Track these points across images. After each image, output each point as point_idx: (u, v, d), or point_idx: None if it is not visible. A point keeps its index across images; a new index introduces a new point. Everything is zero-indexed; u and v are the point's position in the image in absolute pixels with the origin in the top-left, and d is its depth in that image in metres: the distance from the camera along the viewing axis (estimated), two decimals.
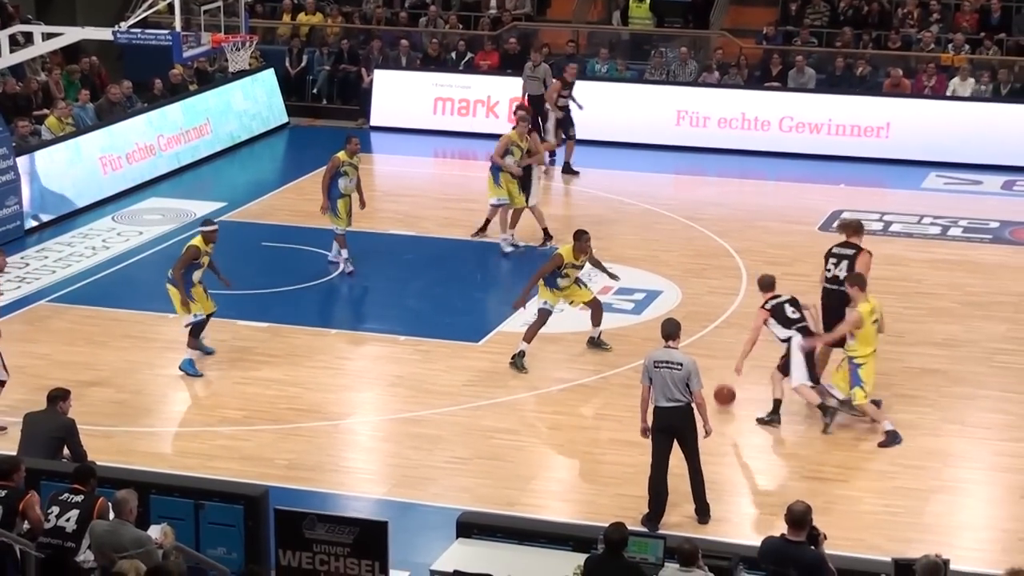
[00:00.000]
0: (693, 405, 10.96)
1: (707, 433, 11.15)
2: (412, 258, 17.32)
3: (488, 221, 17.47)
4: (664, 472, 10.99)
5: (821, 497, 11.05)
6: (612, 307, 15.32)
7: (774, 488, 11.88)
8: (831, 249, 13.55)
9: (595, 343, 14.46)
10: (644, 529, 10.67)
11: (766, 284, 13.26)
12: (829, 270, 13.37)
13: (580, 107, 20.48)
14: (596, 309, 14.43)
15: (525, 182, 17.17)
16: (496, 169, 16.90)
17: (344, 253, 16.37)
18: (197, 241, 13.91)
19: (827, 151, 21.37)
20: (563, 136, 20.29)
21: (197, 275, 13.83)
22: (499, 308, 15.38)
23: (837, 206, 19.06)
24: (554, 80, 20.55)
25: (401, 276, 16.76)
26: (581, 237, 14.06)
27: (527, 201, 17.20)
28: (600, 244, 17.35)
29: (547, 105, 20.33)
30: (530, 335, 14.04)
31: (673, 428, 10.96)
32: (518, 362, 13.93)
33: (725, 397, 13.03)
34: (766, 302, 13.11)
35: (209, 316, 14.04)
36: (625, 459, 12.10)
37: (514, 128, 17.25)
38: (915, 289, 16.21)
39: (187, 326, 13.91)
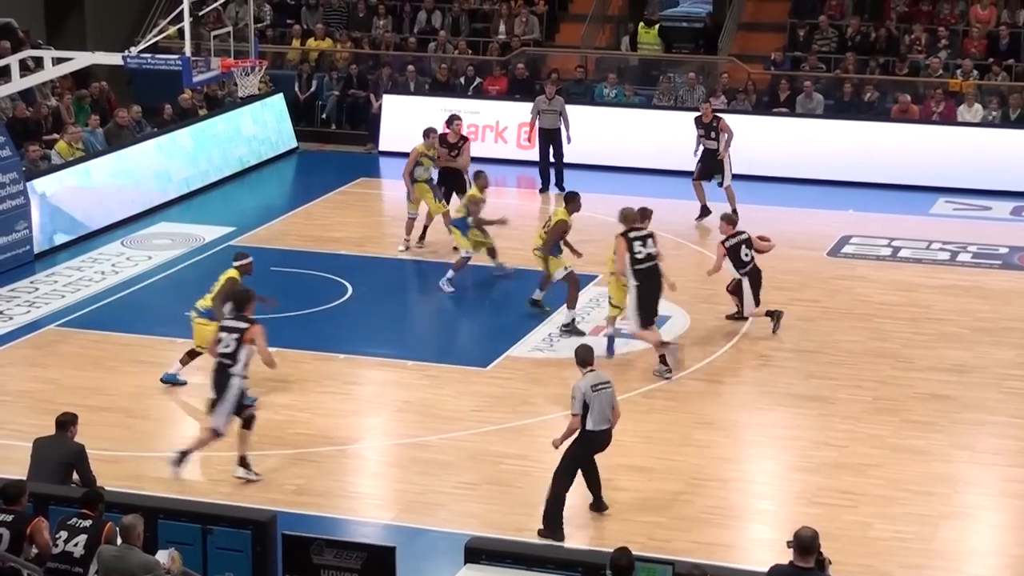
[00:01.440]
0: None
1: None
2: (420, 283, 17.33)
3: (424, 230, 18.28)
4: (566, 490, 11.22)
5: (829, 523, 11.02)
6: (621, 332, 15.31)
7: (782, 514, 11.84)
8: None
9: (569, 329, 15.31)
10: (652, 555, 10.63)
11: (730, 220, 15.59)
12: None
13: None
14: (573, 286, 15.49)
15: (450, 189, 18.28)
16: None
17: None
18: (233, 274, 13.73)
19: (835, 177, 21.38)
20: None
21: (227, 308, 13.57)
22: (507, 333, 15.38)
23: (846, 232, 19.06)
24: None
25: (409, 301, 16.78)
26: (575, 198, 15.64)
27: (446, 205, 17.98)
28: (608, 269, 17.41)
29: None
30: (573, 301, 15.36)
31: (599, 451, 11.30)
32: (573, 328, 15.01)
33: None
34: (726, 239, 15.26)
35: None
36: (634, 485, 12.07)
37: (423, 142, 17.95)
38: (924, 315, 16.19)
39: (188, 353, 13.89)
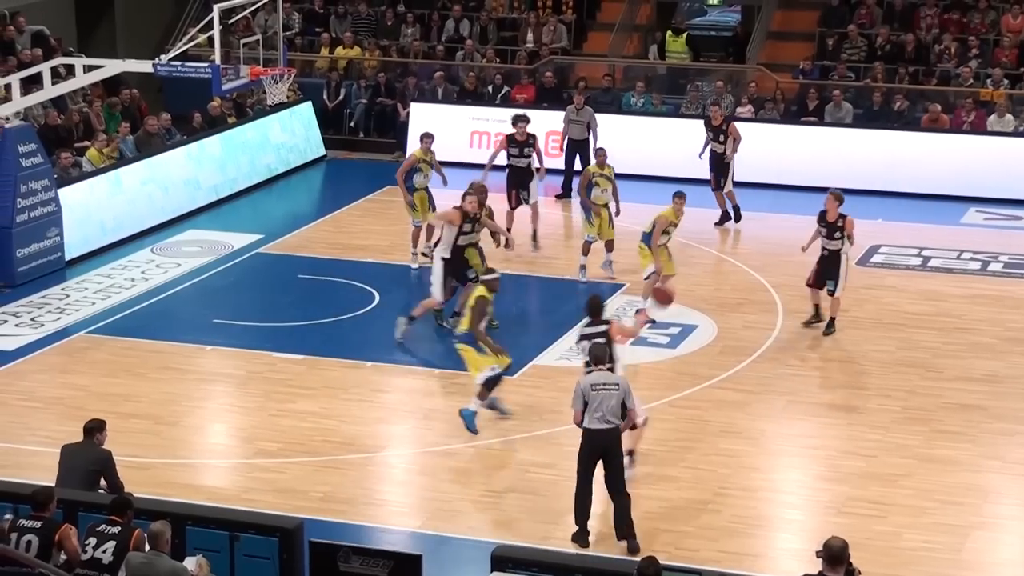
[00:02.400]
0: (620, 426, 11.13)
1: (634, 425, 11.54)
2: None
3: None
4: (589, 489, 11.14)
5: (858, 533, 10.96)
6: (647, 341, 15.29)
7: (810, 523, 11.79)
8: None
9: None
10: (679, 564, 10.60)
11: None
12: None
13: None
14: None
15: (516, 187, 18.39)
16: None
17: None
18: (482, 291, 13.44)
19: (865, 186, 21.29)
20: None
21: (483, 324, 13.43)
22: (534, 342, 15.37)
23: (875, 241, 18.97)
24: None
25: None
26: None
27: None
28: (637, 278, 17.40)
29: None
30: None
31: (602, 449, 11.11)
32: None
33: (664, 296, 13.92)
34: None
35: (504, 371, 13.44)
36: (660, 493, 12.04)
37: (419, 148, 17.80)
38: (955, 324, 16.10)
39: (481, 382, 13.24)
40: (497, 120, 23.05)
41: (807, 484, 12.59)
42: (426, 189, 17.73)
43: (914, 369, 14.87)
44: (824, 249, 15.75)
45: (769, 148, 21.90)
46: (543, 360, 15.01)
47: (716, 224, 19.64)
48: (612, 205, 17.60)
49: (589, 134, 20.64)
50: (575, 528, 11.25)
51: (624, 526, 11.15)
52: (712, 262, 18.23)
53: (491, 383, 13.31)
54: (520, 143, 18.70)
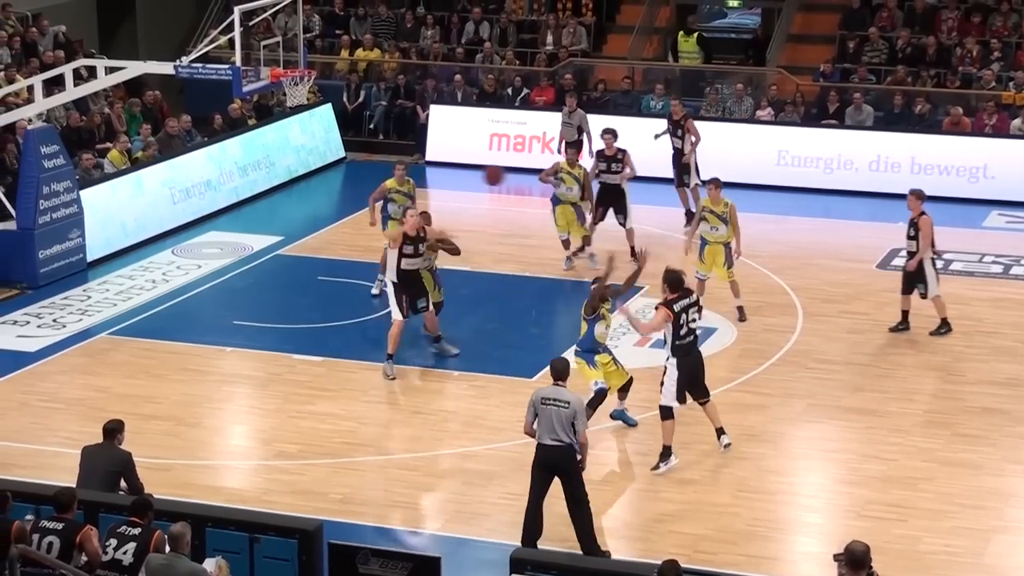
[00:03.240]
0: (575, 445, 10.80)
1: (582, 468, 10.95)
2: (467, 293, 17.35)
3: None
4: (538, 508, 10.87)
5: (878, 536, 10.92)
6: (648, 345, 15.26)
7: (830, 527, 11.75)
8: None
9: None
10: (700, 567, 10.59)
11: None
12: None
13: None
14: None
15: (607, 205, 17.85)
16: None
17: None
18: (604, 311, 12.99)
19: (886, 189, 21.23)
20: None
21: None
22: (554, 344, 15.36)
23: (896, 244, 18.88)
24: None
25: (455, 311, 16.78)
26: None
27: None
28: (655, 281, 17.31)
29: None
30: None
31: (554, 467, 10.85)
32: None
33: (495, 175, 13.92)
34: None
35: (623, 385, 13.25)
36: (679, 496, 12.03)
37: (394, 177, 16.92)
38: (977, 328, 16.04)
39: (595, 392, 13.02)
40: (516, 122, 23.07)
41: (827, 487, 12.55)
42: (399, 220, 16.16)
43: (935, 372, 14.82)
44: (906, 251, 15.79)
45: (789, 150, 21.85)
46: None
47: (685, 226, 19.14)
48: (584, 211, 17.59)
49: (581, 137, 20.58)
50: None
51: (585, 543, 10.80)
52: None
53: (594, 402, 12.89)
54: (608, 158, 17.86)
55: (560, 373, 11.08)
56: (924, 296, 15.63)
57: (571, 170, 17.67)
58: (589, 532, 10.86)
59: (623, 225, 17.96)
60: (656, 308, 12.52)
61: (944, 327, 15.72)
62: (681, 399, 12.36)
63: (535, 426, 10.87)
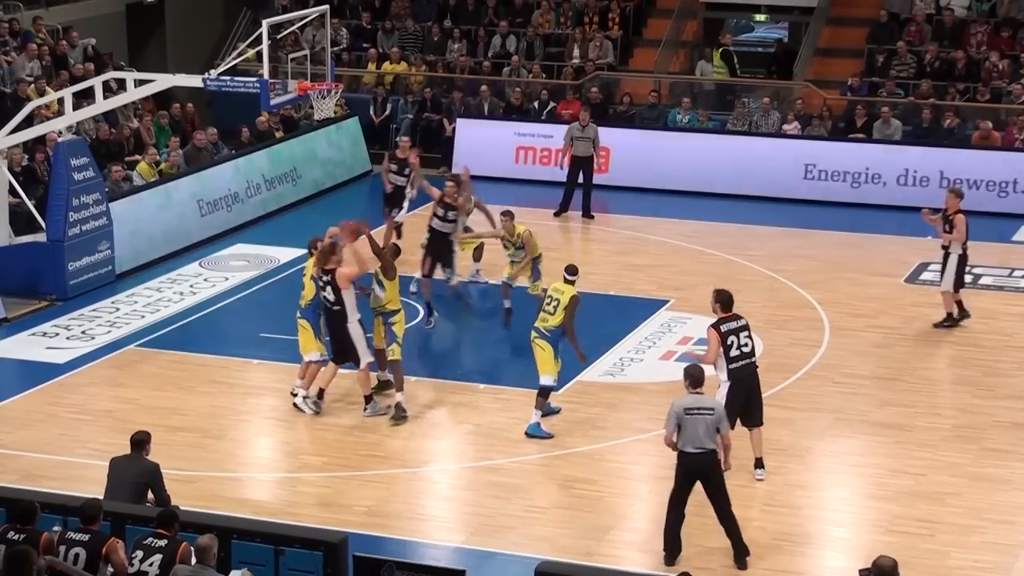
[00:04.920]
0: (718, 451, 10.97)
1: (727, 468, 11.17)
2: (491, 306, 17.36)
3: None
4: (680, 513, 11.03)
5: (906, 551, 10.85)
6: (690, 358, 15.23)
7: (856, 542, 11.69)
8: None
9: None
10: None
11: None
12: None
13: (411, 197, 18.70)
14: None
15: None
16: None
17: (459, 276, 17.12)
18: (573, 291, 13.43)
19: (914, 203, 21.12)
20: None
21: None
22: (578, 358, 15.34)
23: (924, 258, 18.83)
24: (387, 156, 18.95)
25: (481, 324, 16.81)
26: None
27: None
28: (680, 294, 17.38)
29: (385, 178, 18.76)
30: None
31: (699, 474, 10.98)
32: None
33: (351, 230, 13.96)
34: None
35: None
36: (705, 510, 11.94)
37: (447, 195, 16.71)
38: (1006, 343, 15.94)
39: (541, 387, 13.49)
40: (542, 135, 23.09)
41: (854, 502, 12.48)
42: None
43: (964, 387, 14.73)
44: (941, 246, 16.23)
45: (816, 164, 21.79)
46: (587, 376, 14.98)
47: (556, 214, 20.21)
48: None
49: (594, 151, 20.60)
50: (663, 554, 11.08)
51: (734, 543, 11.04)
52: (757, 278, 18.14)
53: (546, 391, 13.44)
54: (446, 205, 16.76)
55: (697, 380, 11.11)
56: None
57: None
58: (738, 532, 11.03)
59: (448, 281, 17.09)
60: (708, 330, 12.49)
61: (948, 320, 16.06)
62: (731, 423, 12.20)
63: (675, 437, 10.93)
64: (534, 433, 13.46)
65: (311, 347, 14.17)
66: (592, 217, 20.78)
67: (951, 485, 12.51)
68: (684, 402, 10.95)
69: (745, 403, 12.38)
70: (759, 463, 12.62)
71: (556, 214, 20.95)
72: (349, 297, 13.74)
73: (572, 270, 13.74)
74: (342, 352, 13.95)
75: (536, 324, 13.54)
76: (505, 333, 16.45)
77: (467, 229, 17.51)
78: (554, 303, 13.47)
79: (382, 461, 13.10)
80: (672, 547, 11.10)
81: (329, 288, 13.75)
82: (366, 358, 13.86)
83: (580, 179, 20.83)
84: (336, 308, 13.76)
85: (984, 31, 23.95)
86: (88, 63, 22.28)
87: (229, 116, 22.40)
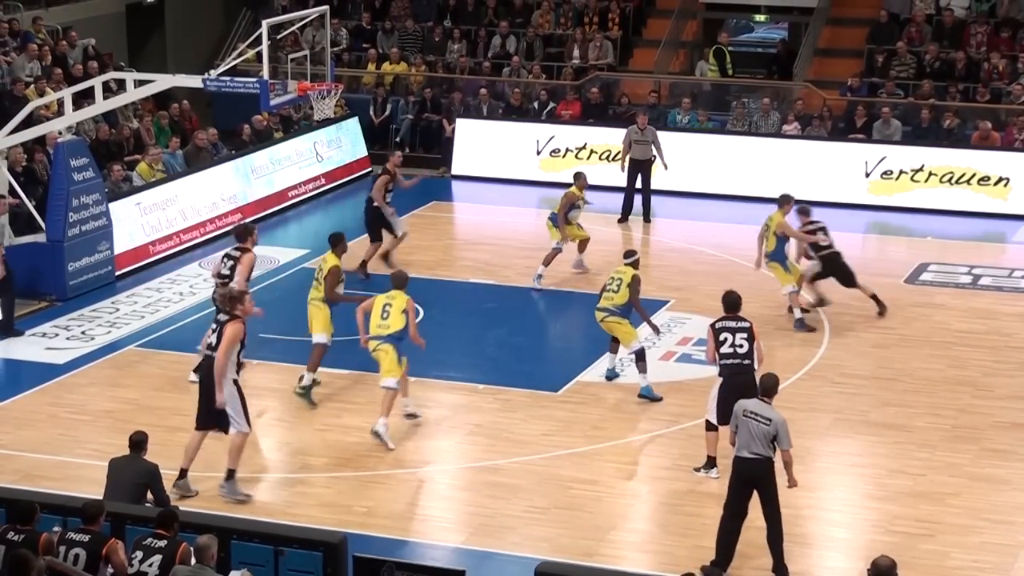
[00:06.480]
0: (773, 459, 10.84)
1: (792, 484, 11.03)
2: (492, 307, 17.37)
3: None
4: (736, 522, 10.88)
5: (906, 552, 10.86)
6: (693, 358, 15.26)
7: (856, 542, 11.69)
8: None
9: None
10: None
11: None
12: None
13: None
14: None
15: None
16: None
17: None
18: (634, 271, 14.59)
19: (913, 204, 21.16)
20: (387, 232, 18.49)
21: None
22: (578, 358, 15.36)
23: (924, 259, 18.84)
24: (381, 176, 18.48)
25: (481, 325, 16.81)
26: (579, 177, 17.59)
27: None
28: (681, 295, 17.39)
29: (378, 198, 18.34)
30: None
31: (753, 480, 10.86)
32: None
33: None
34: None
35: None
36: (704, 510, 11.98)
37: None
38: (1005, 343, 15.95)
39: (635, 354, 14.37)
40: (544, 136, 23.06)
41: (853, 502, 12.49)
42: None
43: (964, 388, 14.74)
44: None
45: (817, 164, 21.80)
46: (586, 376, 14.99)
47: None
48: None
49: (654, 154, 20.47)
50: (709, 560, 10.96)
51: (775, 556, 10.91)
52: (757, 279, 18.12)
53: (642, 354, 14.31)
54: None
55: (769, 390, 11.01)
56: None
57: (582, 196, 17.75)
58: (780, 545, 10.91)
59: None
60: (708, 329, 12.60)
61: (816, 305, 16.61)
62: (721, 419, 12.22)
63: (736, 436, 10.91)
64: (646, 394, 14.23)
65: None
66: (650, 221, 20.63)
67: (950, 485, 12.51)
68: (745, 404, 10.91)
69: (736, 401, 12.35)
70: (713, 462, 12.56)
71: (620, 220, 20.63)
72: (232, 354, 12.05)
73: (630, 253, 14.85)
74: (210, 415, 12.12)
75: (602, 305, 14.40)
76: (505, 333, 16.45)
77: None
78: (616, 282, 14.39)
79: (382, 461, 13.10)
80: (723, 557, 10.89)
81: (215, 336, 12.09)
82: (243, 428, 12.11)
83: (639, 183, 20.60)
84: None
85: (984, 31, 23.95)
86: (88, 63, 22.27)
87: (230, 116, 22.41)
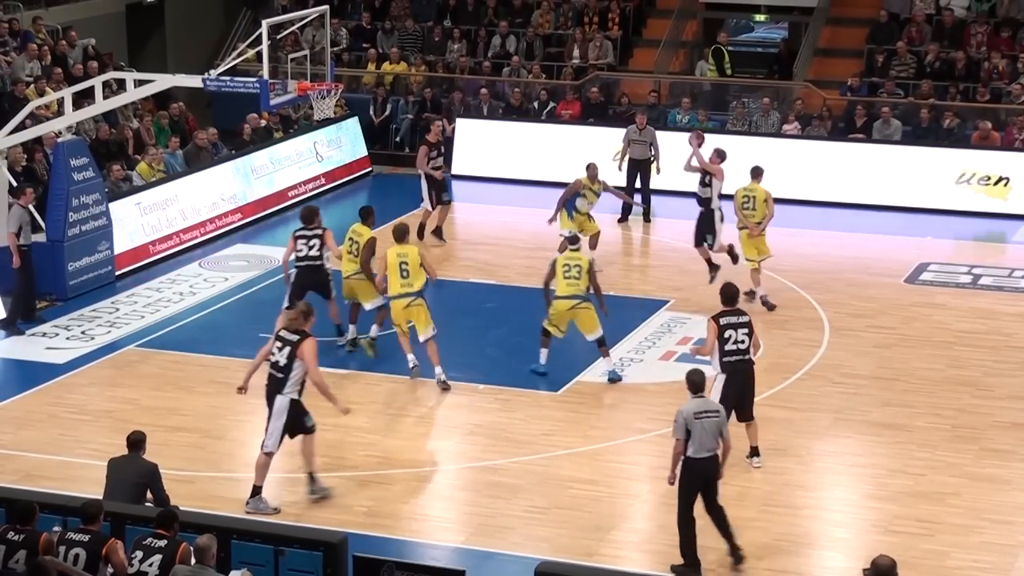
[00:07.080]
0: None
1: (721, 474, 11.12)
2: (493, 307, 17.37)
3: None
4: (693, 521, 10.94)
5: (906, 552, 10.85)
6: (694, 358, 15.24)
7: (856, 542, 11.69)
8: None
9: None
10: None
11: None
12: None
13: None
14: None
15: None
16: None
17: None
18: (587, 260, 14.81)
19: (913, 203, 21.15)
20: (437, 201, 19.49)
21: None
22: (578, 358, 15.35)
23: (923, 259, 18.83)
24: (421, 146, 19.69)
25: (481, 325, 16.81)
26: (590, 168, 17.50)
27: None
28: (681, 295, 17.39)
29: (420, 171, 19.45)
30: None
31: (707, 477, 10.92)
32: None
33: None
34: None
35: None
36: (704, 510, 11.96)
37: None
38: (1005, 343, 15.95)
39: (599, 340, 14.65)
40: (543, 136, 23.05)
41: (854, 502, 12.49)
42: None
43: (964, 387, 14.73)
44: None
45: (816, 164, 21.79)
46: (587, 376, 14.99)
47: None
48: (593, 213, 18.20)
49: (651, 153, 20.51)
50: (680, 561, 10.98)
51: (730, 541, 11.05)
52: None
53: (604, 340, 14.62)
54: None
55: (698, 385, 11.04)
56: (711, 247, 17.16)
57: (592, 186, 17.74)
58: (732, 531, 11.03)
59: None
60: (708, 321, 12.60)
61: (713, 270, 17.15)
62: (728, 416, 12.21)
63: (686, 446, 10.83)
64: (614, 378, 14.67)
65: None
66: (650, 221, 20.66)
67: (951, 485, 12.51)
68: (691, 407, 10.88)
69: (740, 398, 12.41)
70: (755, 451, 12.74)
71: (620, 220, 20.63)
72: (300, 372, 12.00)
73: (574, 239, 15.23)
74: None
75: (569, 292, 14.59)
76: (505, 333, 16.44)
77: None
78: (576, 269, 14.62)
79: (382, 462, 13.10)
80: (695, 560, 10.93)
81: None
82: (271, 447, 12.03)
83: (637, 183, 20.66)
84: (280, 376, 12.04)
85: (984, 31, 23.95)
86: (88, 63, 22.26)
87: (230, 116, 22.40)
